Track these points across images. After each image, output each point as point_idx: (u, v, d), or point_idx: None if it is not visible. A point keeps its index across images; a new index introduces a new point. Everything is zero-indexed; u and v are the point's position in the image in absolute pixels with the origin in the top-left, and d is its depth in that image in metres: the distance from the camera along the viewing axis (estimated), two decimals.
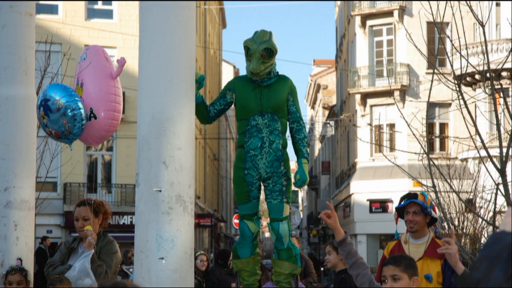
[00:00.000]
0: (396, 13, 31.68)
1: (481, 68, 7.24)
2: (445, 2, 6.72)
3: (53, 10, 27.87)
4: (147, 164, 4.47)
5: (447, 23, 11.95)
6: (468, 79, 24.71)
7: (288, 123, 5.51)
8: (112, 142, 27.91)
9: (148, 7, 4.62)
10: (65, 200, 26.68)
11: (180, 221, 4.43)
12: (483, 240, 10.48)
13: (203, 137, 39.73)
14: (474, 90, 25.19)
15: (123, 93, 6.28)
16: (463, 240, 10.41)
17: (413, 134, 7.32)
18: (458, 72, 7.19)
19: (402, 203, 5.20)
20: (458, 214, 11.32)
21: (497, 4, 27.45)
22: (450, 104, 24.05)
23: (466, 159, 19.49)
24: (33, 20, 6.15)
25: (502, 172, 6.39)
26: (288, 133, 5.57)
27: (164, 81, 4.51)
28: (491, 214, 8.97)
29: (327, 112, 53.76)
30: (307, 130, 5.72)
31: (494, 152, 7.22)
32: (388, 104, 30.41)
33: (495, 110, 6.78)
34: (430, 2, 6.74)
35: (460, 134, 17.87)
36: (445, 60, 24.48)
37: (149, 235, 4.39)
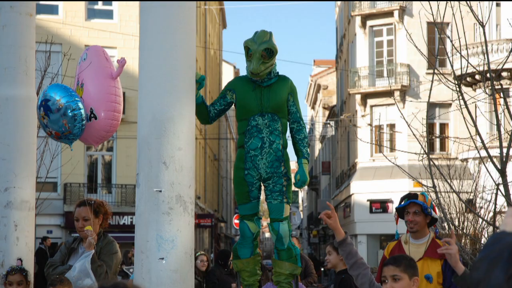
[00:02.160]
0: (396, 13, 31.69)
1: (481, 68, 7.24)
2: (445, 2, 6.72)
3: (53, 10, 27.89)
4: (147, 165, 4.47)
5: (447, 23, 11.95)
6: (468, 79, 24.71)
7: (288, 123, 5.51)
8: (112, 143, 27.92)
9: (148, 7, 4.62)
10: (66, 201, 26.69)
11: (180, 221, 4.43)
12: (483, 240, 10.48)
13: (203, 137, 39.74)
14: (474, 90, 25.19)
15: (123, 93, 6.28)
16: (463, 241, 10.41)
17: (413, 135, 7.31)
18: (458, 73, 7.19)
19: (403, 203, 5.20)
20: (458, 214, 11.32)
21: (497, 4, 27.45)
22: (450, 105, 24.04)
23: (466, 160, 19.49)
24: (33, 20, 6.15)
25: (502, 172, 6.39)
26: (288, 134, 5.57)
27: (164, 81, 4.51)
28: (491, 214, 8.97)
29: (327, 113, 53.76)
30: (307, 130, 5.72)
31: (494, 152, 7.21)
32: (389, 105, 30.42)
33: (495, 111, 6.78)
34: (430, 2, 6.74)
35: (460, 134, 17.87)
36: (446, 60, 24.48)
37: (149, 236, 4.39)
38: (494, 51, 25.66)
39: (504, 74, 26.25)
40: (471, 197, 11.54)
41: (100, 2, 28.80)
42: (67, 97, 5.29)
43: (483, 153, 6.82)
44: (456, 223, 10.86)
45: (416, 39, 7.49)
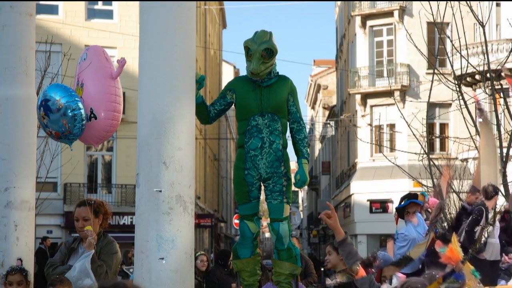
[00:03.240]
0: (396, 13, 31.69)
1: (481, 68, 7.25)
2: (445, 2, 6.72)
3: (53, 10, 27.88)
4: (147, 165, 4.47)
5: (447, 23, 11.93)
6: (468, 79, 24.69)
7: (288, 123, 5.51)
8: (112, 143, 27.91)
9: (148, 7, 4.62)
10: (66, 201, 26.68)
11: (180, 221, 4.43)
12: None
13: (203, 137, 39.74)
14: (475, 90, 25.18)
15: (123, 93, 6.29)
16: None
17: (413, 135, 7.32)
18: (458, 73, 7.20)
19: (403, 203, 5.21)
20: None
21: (497, 4, 27.45)
22: (450, 104, 23.98)
23: (466, 160, 19.49)
24: (33, 20, 6.15)
25: (502, 172, 6.39)
26: (288, 134, 5.57)
27: (164, 81, 4.51)
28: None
29: (327, 113, 53.75)
30: (307, 130, 5.72)
31: None
32: (389, 105, 30.41)
33: (495, 110, 6.79)
34: (430, 2, 6.74)
35: (460, 134, 17.82)
36: (446, 60, 24.43)
37: (149, 236, 4.39)
38: (494, 51, 25.65)
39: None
40: None
41: (100, 2, 28.79)
42: (67, 97, 5.29)
43: None
44: None
45: (416, 39, 7.50)
